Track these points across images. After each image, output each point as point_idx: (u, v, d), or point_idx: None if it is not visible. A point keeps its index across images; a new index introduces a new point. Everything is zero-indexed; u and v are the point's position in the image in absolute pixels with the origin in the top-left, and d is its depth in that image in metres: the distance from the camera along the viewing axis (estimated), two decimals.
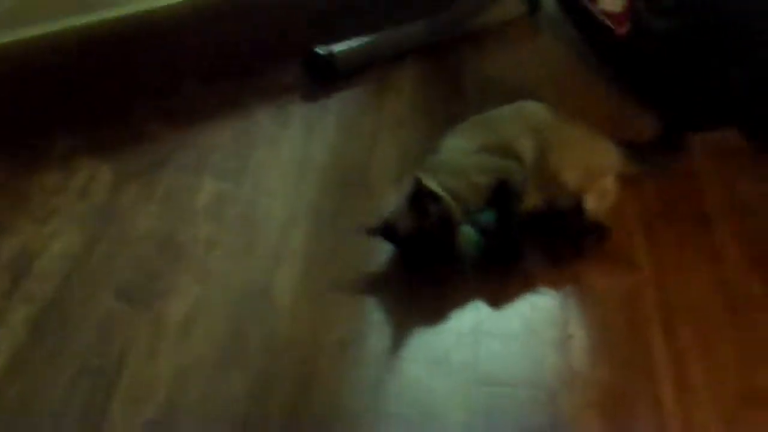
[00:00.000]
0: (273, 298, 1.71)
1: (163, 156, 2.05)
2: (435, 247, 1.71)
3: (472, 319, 1.66)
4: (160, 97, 2.22)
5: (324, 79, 2.28)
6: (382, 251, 1.78)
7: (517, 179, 1.75)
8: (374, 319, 1.68)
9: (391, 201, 1.75)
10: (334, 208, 1.92)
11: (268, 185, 1.99)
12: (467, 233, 1.74)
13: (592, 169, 1.80)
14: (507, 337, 1.62)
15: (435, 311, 1.68)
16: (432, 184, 1.71)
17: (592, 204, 1.79)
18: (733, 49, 1.89)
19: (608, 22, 2.06)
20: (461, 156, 1.81)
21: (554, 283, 1.73)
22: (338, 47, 2.31)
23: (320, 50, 2.29)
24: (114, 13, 2.18)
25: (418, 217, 1.69)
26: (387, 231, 1.72)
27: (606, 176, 1.82)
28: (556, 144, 1.79)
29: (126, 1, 2.20)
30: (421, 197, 1.69)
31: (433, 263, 1.73)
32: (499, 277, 1.74)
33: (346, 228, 1.84)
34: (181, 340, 1.61)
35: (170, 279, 1.74)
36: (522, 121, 1.83)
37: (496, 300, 1.69)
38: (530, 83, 2.25)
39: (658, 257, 1.77)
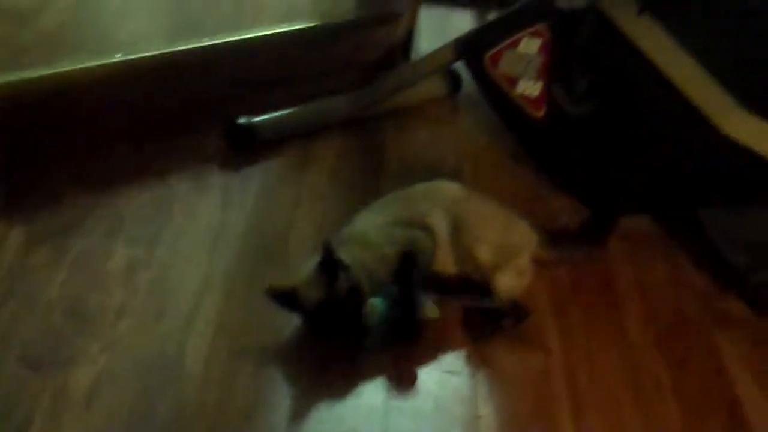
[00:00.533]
0: (182, 367, 1.68)
1: (76, 219, 2.02)
2: (342, 317, 1.70)
3: (381, 394, 1.65)
4: (77, 160, 2.19)
5: (245, 148, 2.29)
6: (294, 321, 1.77)
7: (425, 251, 1.77)
8: (283, 390, 1.66)
9: (301, 268, 1.74)
10: (248, 278, 1.91)
11: (182, 252, 1.97)
12: (375, 306, 1.74)
13: (507, 247, 1.83)
14: (416, 414, 1.62)
15: (344, 385, 1.67)
16: (342, 254, 1.72)
17: (508, 283, 1.81)
18: (644, 136, 1.95)
19: (526, 106, 2.11)
20: (373, 229, 1.82)
21: (465, 362, 1.73)
22: (260, 117, 2.32)
23: (242, 120, 2.29)
24: (32, 74, 2.17)
25: (327, 286, 1.69)
26: (289, 299, 1.71)
27: (521, 255, 1.84)
28: (470, 221, 1.82)
29: (44, 62, 2.19)
30: (331, 265, 1.69)
31: (339, 334, 1.73)
32: (410, 353, 1.73)
33: (259, 298, 1.83)
34: (86, 410, 1.58)
35: (77, 346, 1.71)
36: (436, 199, 1.86)
37: (407, 376, 1.69)
38: (450, 161, 2.29)
39: (567, 339, 1.79)
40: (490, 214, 1.86)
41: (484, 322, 1.79)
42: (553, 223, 2.03)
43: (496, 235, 1.83)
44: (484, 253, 1.79)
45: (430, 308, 1.74)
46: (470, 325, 1.80)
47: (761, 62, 1.81)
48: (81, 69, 2.24)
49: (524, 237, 1.87)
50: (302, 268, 1.73)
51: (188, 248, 1.98)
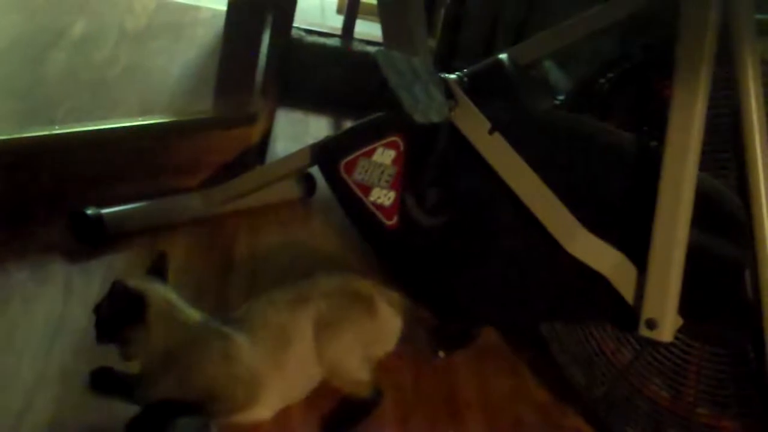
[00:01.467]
0: None
1: None
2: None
3: None
4: None
5: (90, 240, 2.23)
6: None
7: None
8: None
9: None
10: (87, 373, 1.83)
11: (18, 344, 1.88)
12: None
13: (372, 351, 1.86)
14: None
15: None
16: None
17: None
18: (490, 250, 2.00)
19: (378, 214, 2.14)
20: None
21: None
22: (109, 209, 2.27)
23: (89, 210, 2.24)
24: None
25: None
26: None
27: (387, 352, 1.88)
28: (333, 329, 1.83)
29: None
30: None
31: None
32: None
33: (97, 400, 1.76)
34: None
35: None
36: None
37: None
38: (301, 264, 2.29)
39: None
40: (353, 315, 1.87)
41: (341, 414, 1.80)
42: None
43: (363, 338, 1.84)
44: (356, 368, 1.81)
45: None
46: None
47: (598, 187, 1.89)
48: None
49: (389, 329, 1.90)
50: None
51: (24, 341, 1.89)
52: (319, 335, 1.81)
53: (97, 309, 1.73)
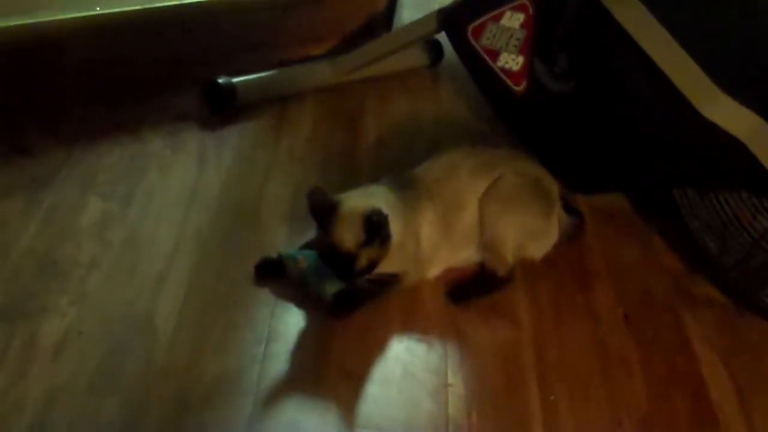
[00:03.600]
0: (152, 324, 1.67)
1: (50, 172, 2.00)
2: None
3: (352, 360, 1.66)
4: (53, 112, 2.17)
5: (222, 109, 2.27)
6: (266, 286, 1.77)
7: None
8: (254, 353, 1.65)
9: None
10: (221, 238, 1.90)
11: (156, 210, 1.95)
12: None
13: (525, 244, 1.87)
14: (385, 381, 1.62)
15: (315, 351, 1.67)
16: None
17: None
18: (622, 114, 1.96)
19: (506, 79, 2.11)
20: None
21: (434, 331, 1.74)
22: (239, 78, 2.30)
23: (221, 80, 2.27)
24: (7, 22, 2.12)
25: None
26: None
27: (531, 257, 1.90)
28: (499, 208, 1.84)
29: (21, 11, 2.15)
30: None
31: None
32: (379, 320, 1.74)
33: (232, 259, 1.82)
34: (54, 362, 1.57)
35: (47, 298, 1.69)
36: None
37: (377, 342, 1.70)
38: (428, 131, 2.29)
39: (538, 313, 1.80)
40: (533, 205, 1.88)
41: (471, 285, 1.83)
42: None
43: (529, 228, 1.86)
44: (509, 248, 1.83)
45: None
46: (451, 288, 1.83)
47: (741, 48, 1.82)
48: (59, 20, 2.20)
49: (548, 237, 1.90)
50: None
51: (162, 206, 1.96)
52: (491, 202, 1.83)
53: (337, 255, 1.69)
